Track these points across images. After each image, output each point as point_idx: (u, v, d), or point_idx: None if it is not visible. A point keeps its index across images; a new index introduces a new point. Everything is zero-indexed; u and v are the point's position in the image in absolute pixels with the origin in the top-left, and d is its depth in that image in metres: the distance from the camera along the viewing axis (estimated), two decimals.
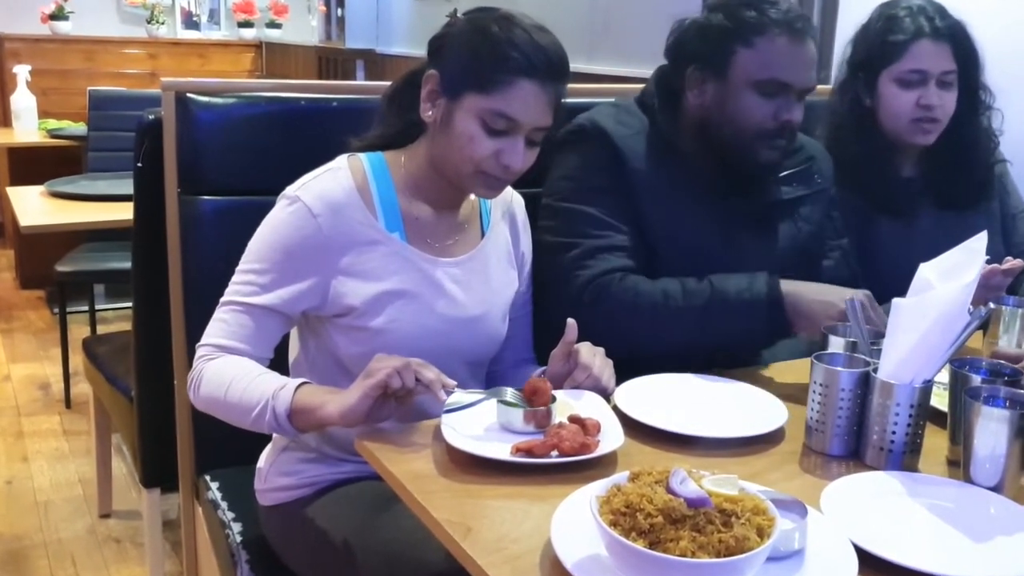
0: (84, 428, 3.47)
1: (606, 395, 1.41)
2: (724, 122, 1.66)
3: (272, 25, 6.78)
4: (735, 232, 1.71)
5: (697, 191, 1.70)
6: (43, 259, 4.16)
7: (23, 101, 4.98)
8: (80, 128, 4.67)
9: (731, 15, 1.64)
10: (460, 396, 1.35)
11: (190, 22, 7.26)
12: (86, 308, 4.12)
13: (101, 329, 4.11)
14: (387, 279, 1.47)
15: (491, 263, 1.60)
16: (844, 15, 2.82)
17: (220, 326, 1.45)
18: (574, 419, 1.28)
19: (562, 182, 1.72)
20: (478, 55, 1.41)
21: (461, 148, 1.42)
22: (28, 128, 4.97)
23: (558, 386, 1.41)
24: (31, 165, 4.68)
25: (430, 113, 1.47)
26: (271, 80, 2.88)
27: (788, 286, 1.57)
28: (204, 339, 1.46)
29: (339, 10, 6.05)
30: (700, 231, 1.69)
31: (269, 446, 1.66)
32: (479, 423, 1.31)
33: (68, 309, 3.69)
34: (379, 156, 1.54)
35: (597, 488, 0.97)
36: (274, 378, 1.39)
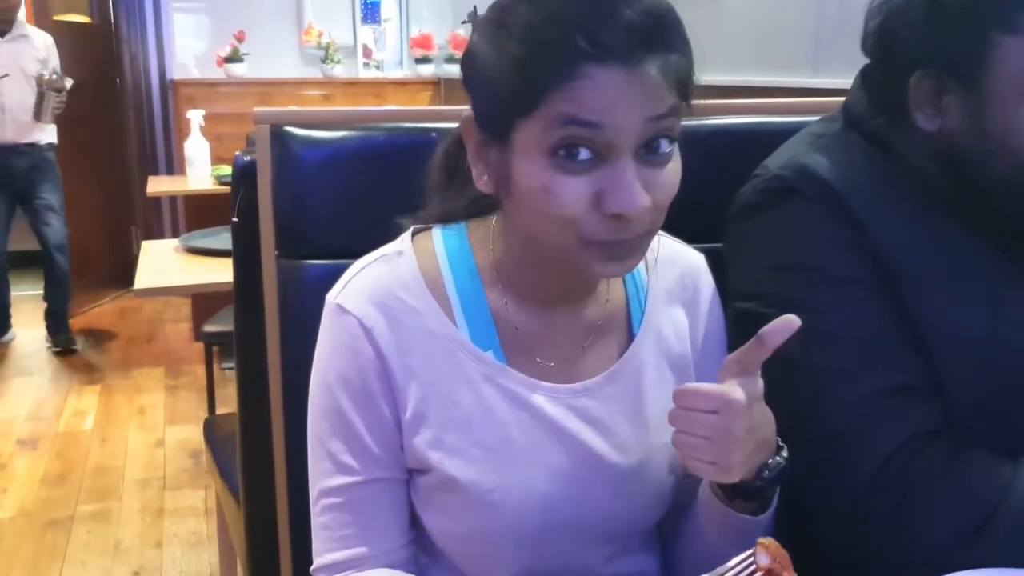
0: None
1: None
2: (989, 157, 1.02)
3: (451, 60, 6.46)
4: None
5: (980, 257, 1.07)
6: (217, 310, 3.89)
7: (197, 147, 4.87)
8: None
9: None
10: None
11: (373, 60, 7.07)
12: None
13: None
14: (477, 423, 0.96)
15: (647, 380, 1.03)
16: None
17: (323, 536, 1.01)
18: None
19: (776, 279, 1.10)
20: (504, 57, 0.85)
21: (541, 210, 0.86)
22: (201, 174, 4.85)
23: None
24: (206, 213, 4.52)
25: (485, 178, 0.94)
26: (394, 107, 2.47)
27: None
28: (315, 561, 1.02)
29: None
30: (1001, 320, 1.05)
31: None
32: None
33: (228, 366, 3.42)
34: (459, 231, 1.03)
35: None
36: None
